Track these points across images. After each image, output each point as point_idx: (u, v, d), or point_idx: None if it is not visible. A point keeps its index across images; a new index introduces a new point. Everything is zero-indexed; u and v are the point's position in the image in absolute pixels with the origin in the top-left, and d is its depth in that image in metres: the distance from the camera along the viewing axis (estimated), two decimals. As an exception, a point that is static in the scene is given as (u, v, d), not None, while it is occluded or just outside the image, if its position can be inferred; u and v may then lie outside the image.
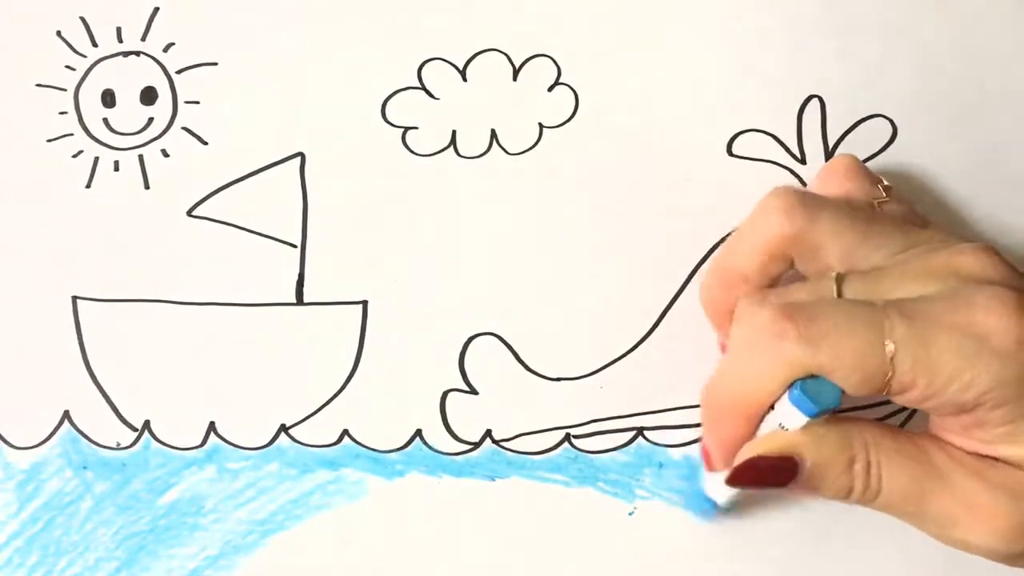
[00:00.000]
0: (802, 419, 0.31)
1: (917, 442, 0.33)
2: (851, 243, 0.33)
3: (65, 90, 0.40)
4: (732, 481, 0.33)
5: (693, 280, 0.40)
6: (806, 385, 0.31)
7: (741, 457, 0.33)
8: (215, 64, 0.40)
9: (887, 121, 0.40)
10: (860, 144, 0.40)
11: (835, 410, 0.31)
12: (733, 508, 0.38)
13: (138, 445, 0.39)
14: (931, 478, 0.32)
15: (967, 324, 0.30)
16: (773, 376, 0.31)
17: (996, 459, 0.32)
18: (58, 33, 0.40)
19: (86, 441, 0.39)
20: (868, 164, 0.40)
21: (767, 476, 0.32)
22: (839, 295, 0.32)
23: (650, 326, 0.40)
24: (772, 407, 0.32)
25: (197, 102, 0.40)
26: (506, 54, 0.41)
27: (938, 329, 0.30)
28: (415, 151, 0.40)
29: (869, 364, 0.30)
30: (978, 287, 0.31)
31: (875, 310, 0.31)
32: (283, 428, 0.39)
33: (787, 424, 0.32)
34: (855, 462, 0.32)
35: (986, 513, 0.32)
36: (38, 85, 0.40)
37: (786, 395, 0.31)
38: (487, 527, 0.39)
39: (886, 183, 0.36)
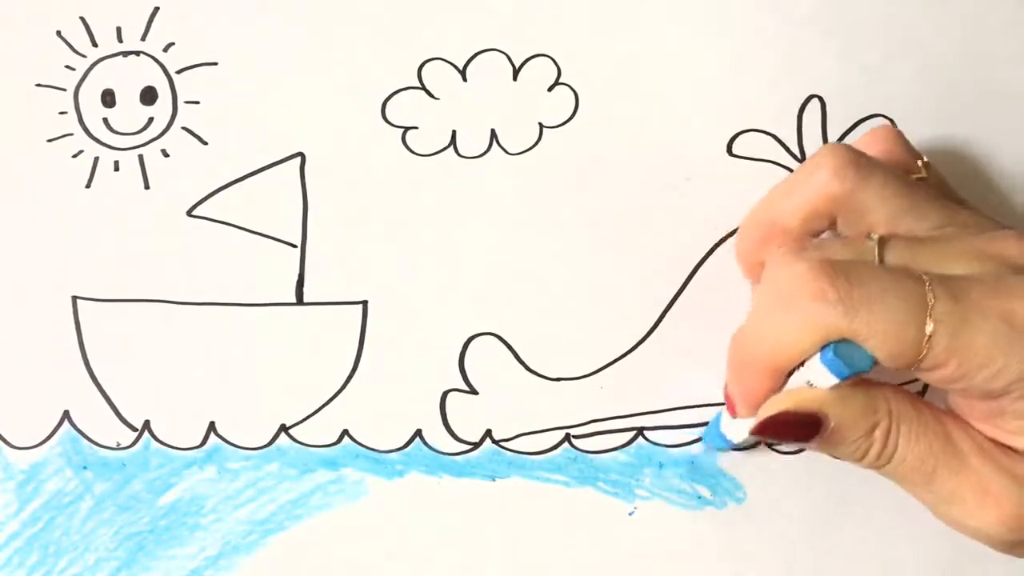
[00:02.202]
0: (832, 380, 0.31)
1: (939, 416, 0.33)
2: (898, 210, 0.33)
3: (65, 90, 0.40)
4: (757, 432, 0.33)
5: (693, 280, 0.40)
6: (839, 348, 0.30)
7: (768, 411, 0.32)
8: (215, 64, 0.40)
9: (887, 121, 0.40)
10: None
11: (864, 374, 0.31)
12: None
13: (138, 445, 0.39)
14: (946, 454, 0.32)
15: (1005, 311, 0.30)
16: (805, 336, 0.30)
17: (1014, 450, 0.32)
18: (58, 33, 0.40)
19: (86, 441, 0.39)
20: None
21: (792, 431, 0.32)
22: (880, 259, 0.32)
23: (650, 326, 0.40)
24: (802, 363, 0.32)
25: (197, 102, 0.40)
26: (506, 54, 0.41)
27: (977, 312, 0.30)
28: (415, 151, 0.40)
29: (906, 338, 0.30)
30: (1019, 276, 0.31)
31: (920, 284, 0.30)
32: (283, 428, 0.39)
33: (816, 382, 0.31)
34: (877, 427, 0.32)
35: (993, 499, 0.31)
36: (38, 85, 0.40)
37: (818, 354, 0.31)
38: (487, 527, 0.39)
39: (925, 159, 0.36)
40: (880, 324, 0.30)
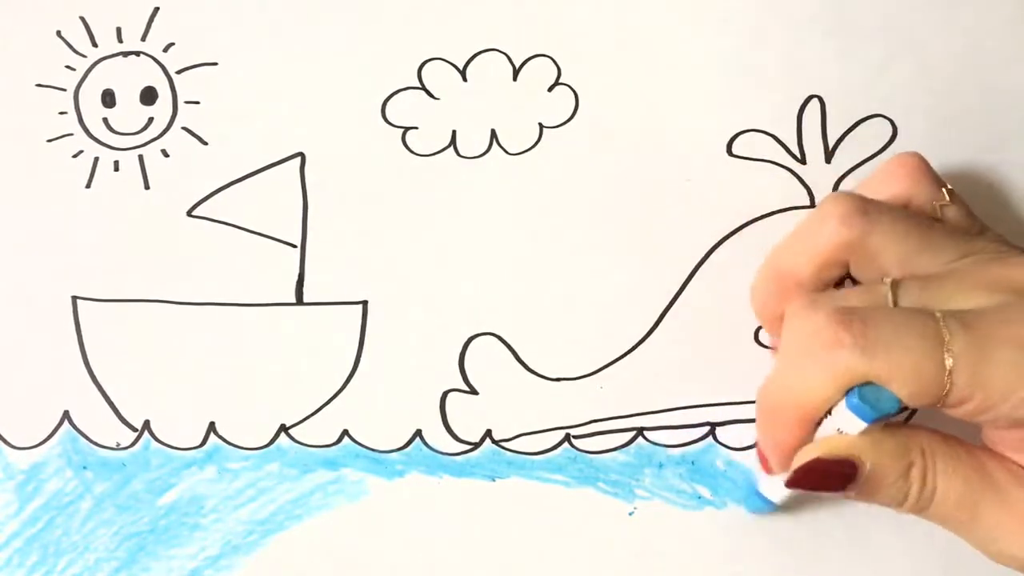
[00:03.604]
0: (860, 425, 0.31)
1: (973, 452, 0.33)
2: (909, 251, 0.33)
3: (65, 90, 0.40)
4: (792, 484, 0.33)
5: (693, 280, 0.40)
6: (864, 392, 0.30)
7: (800, 460, 0.33)
8: (215, 64, 0.40)
9: (887, 121, 0.40)
10: (860, 144, 0.40)
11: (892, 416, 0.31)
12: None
13: (138, 445, 0.39)
14: (986, 488, 0.32)
15: (1021, 339, 0.30)
16: (828, 383, 0.31)
17: None
18: (58, 33, 0.40)
19: (86, 441, 0.39)
20: (868, 164, 0.40)
21: (826, 480, 0.32)
22: (895, 302, 0.32)
23: (650, 326, 0.40)
24: (829, 412, 0.32)
25: (197, 102, 0.40)
26: (506, 54, 0.41)
27: (995, 343, 0.30)
28: (415, 151, 0.40)
29: (926, 375, 0.30)
30: None
31: (934, 321, 0.30)
32: (283, 428, 0.39)
33: (845, 429, 0.32)
34: (912, 467, 0.32)
35: None
36: (38, 85, 0.40)
37: (843, 401, 0.31)
38: (487, 527, 0.39)
39: (949, 187, 0.36)
40: (899, 363, 0.30)
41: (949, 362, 0.30)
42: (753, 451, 0.39)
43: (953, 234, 0.34)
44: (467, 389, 0.39)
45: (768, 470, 0.36)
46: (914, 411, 0.38)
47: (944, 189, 0.36)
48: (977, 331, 0.30)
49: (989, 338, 0.30)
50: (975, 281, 0.32)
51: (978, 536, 0.32)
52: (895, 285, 0.32)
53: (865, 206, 0.33)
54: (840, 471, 0.32)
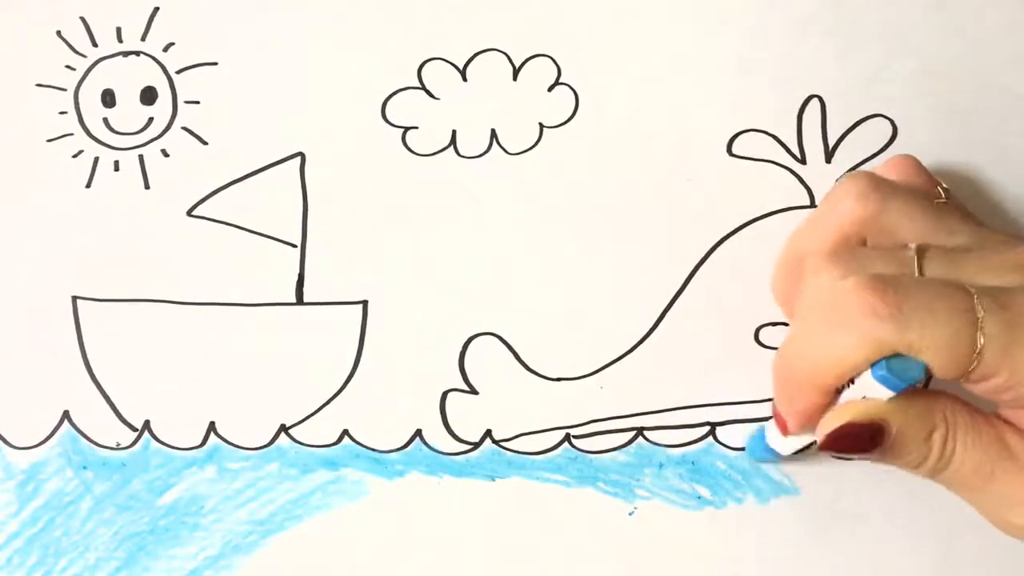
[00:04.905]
0: (887, 393, 0.31)
1: (992, 421, 0.33)
2: (926, 228, 0.33)
3: (65, 90, 0.40)
4: (824, 447, 0.33)
5: (693, 280, 0.40)
6: (892, 363, 0.30)
7: (831, 425, 0.32)
8: (215, 64, 0.40)
9: (887, 121, 0.40)
10: (860, 144, 0.40)
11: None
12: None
13: (138, 445, 0.39)
14: (1003, 458, 0.32)
15: None
16: (858, 352, 0.31)
17: None
18: (58, 33, 0.40)
19: (86, 441, 0.39)
20: (868, 164, 0.40)
21: (856, 443, 0.32)
22: (920, 269, 0.32)
23: (650, 326, 0.40)
24: (851, 379, 0.32)
25: (197, 102, 0.40)
26: (506, 54, 0.41)
27: None
28: (415, 151, 0.40)
29: (959, 349, 0.30)
30: None
31: (967, 296, 0.30)
32: (283, 428, 0.39)
33: (870, 395, 0.32)
34: (935, 432, 0.32)
35: None
36: (38, 85, 0.40)
37: (869, 370, 0.31)
38: (487, 527, 0.39)
39: (944, 186, 0.36)
40: (933, 337, 0.30)
41: (981, 340, 0.30)
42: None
43: (964, 218, 0.34)
44: (467, 389, 0.39)
45: (785, 432, 0.35)
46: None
47: (940, 187, 0.36)
48: (1011, 311, 0.30)
49: (1021, 317, 0.30)
50: (999, 261, 0.32)
51: (989, 503, 0.33)
52: (920, 252, 0.32)
53: (880, 184, 0.34)
54: (869, 435, 0.32)
